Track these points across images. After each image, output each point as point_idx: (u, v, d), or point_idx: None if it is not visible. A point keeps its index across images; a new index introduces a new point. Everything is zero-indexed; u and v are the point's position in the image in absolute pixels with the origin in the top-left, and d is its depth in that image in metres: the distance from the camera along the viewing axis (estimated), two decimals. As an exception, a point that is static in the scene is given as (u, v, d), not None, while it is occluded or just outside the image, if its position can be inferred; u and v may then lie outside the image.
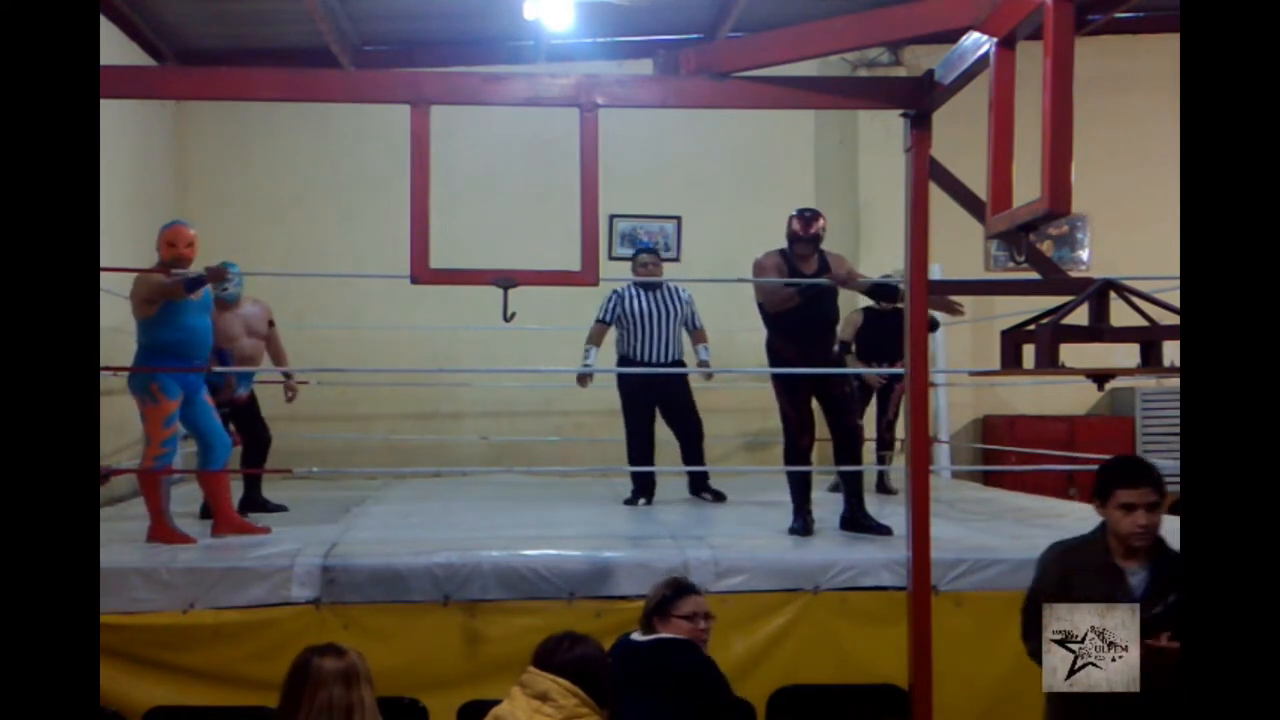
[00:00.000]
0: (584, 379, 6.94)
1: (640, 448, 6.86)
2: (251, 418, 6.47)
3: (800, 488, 5.47)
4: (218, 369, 5.75)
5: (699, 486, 6.90)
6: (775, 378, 5.58)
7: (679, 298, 6.87)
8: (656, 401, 6.86)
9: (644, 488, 6.82)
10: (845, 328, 6.84)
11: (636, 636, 3.67)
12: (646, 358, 6.75)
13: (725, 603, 4.44)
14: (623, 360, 6.85)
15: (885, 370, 6.86)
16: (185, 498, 6.94)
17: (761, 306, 5.60)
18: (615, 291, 6.84)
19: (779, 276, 5.49)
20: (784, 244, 5.57)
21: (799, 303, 5.43)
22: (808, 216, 5.52)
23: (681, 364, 6.90)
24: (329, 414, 8.82)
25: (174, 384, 5.19)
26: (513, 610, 4.45)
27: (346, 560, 4.57)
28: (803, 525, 5.37)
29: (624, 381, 6.87)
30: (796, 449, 5.52)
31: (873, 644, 4.43)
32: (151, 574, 4.43)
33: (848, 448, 5.54)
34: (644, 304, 6.79)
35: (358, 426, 9.06)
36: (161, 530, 5.08)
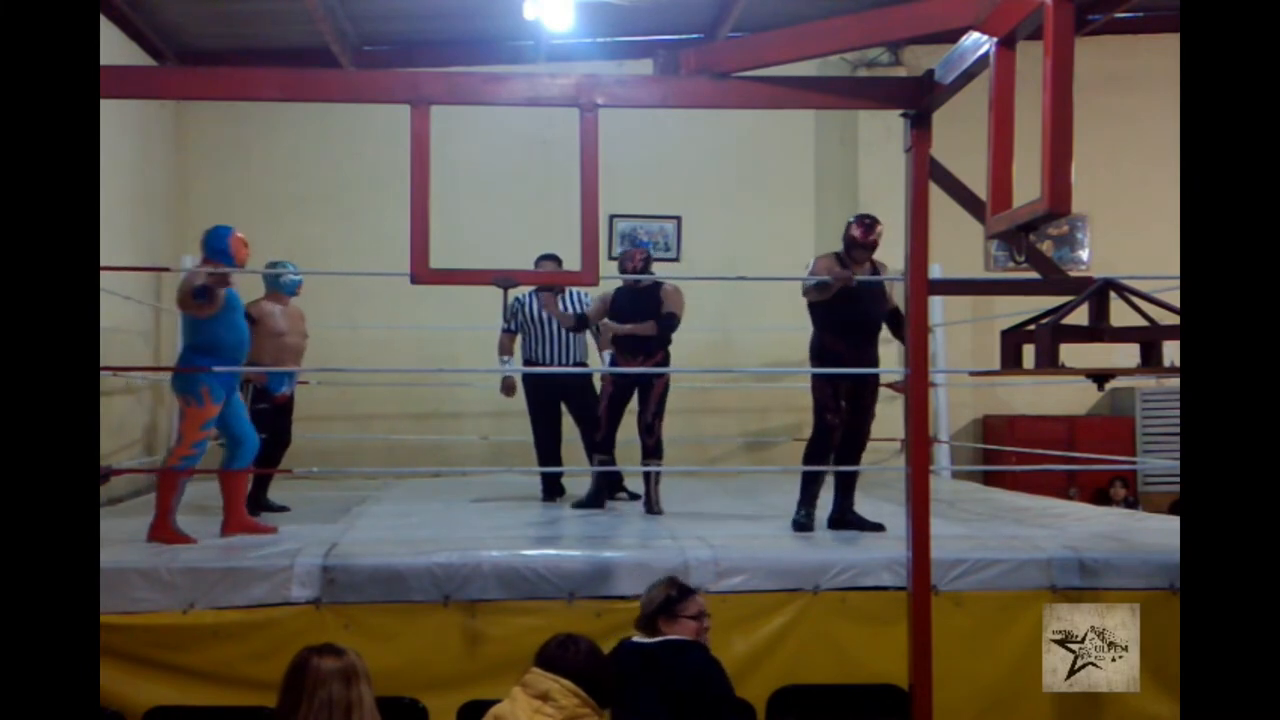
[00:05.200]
0: (509, 388, 7.06)
1: (546, 447, 6.96)
2: (285, 418, 6.48)
3: (817, 482, 5.51)
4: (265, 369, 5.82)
5: (614, 488, 6.89)
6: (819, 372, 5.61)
7: (581, 302, 6.86)
8: (559, 401, 6.91)
9: (552, 487, 6.92)
10: (598, 304, 6.49)
11: (640, 639, 3.66)
12: (546, 360, 6.84)
13: (725, 603, 4.44)
14: (527, 364, 6.93)
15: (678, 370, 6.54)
16: (199, 495, 6.94)
17: (811, 307, 5.62)
18: (517, 299, 6.88)
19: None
20: (839, 246, 5.63)
21: (830, 297, 5.46)
22: (868, 223, 5.56)
23: (583, 365, 6.93)
24: (329, 414, 8.82)
25: (220, 388, 5.22)
26: (513, 610, 4.45)
27: (346, 560, 4.57)
28: (807, 517, 5.41)
29: (528, 385, 6.98)
30: (828, 442, 5.52)
31: (873, 644, 4.43)
32: (151, 574, 4.42)
33: (854, 450, 5.58)
34: (543, 309, 6.80)
35: (358, 426, 9.06)
36: (164, 530, 5.09)
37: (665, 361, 6.37)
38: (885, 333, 5.73)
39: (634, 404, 6.37)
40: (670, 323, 6.23)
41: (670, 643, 3.59)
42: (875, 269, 5.61)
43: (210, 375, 5.14)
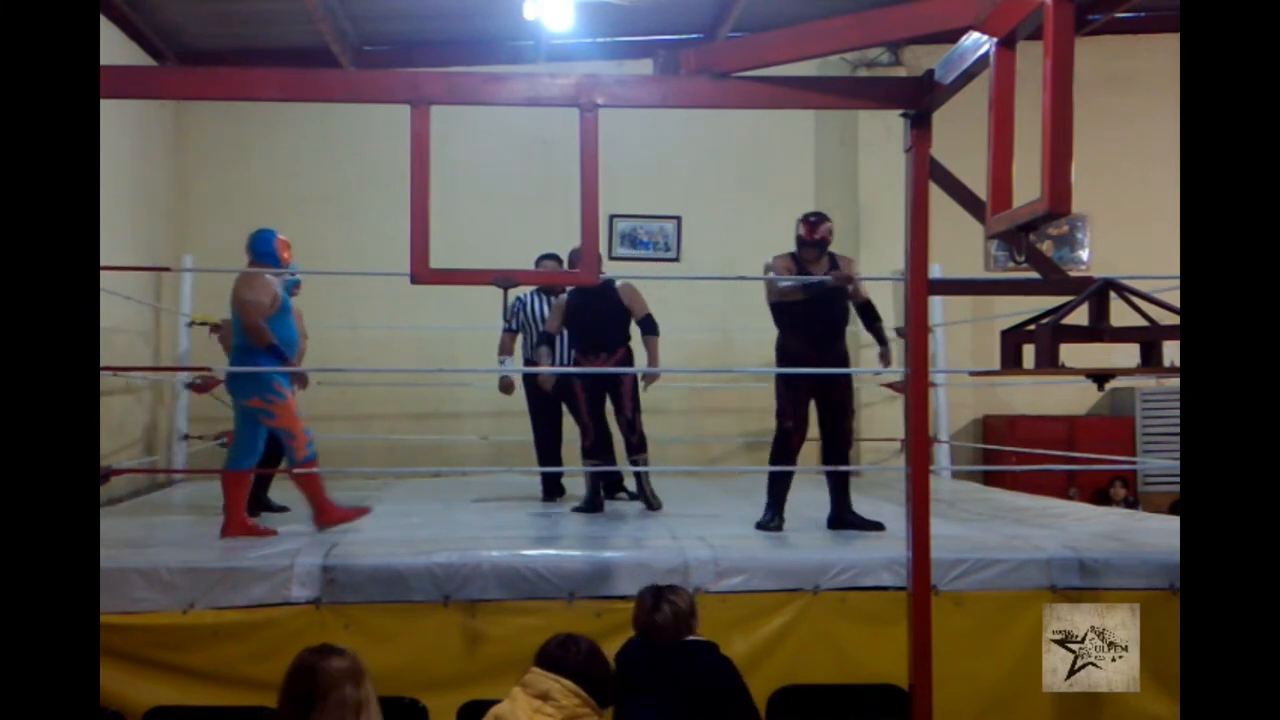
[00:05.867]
0: (508, 386, 7.07)
1: (546, 447, 6.98)
2: None
3: (780, 485, 5.50)
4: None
5: (613, 488, 6.89)
6: (780, 375, 5.62)
7: None
8: (559, 401, 6.89)
9: (552, 487, 6.95)
10: (554, 315, 6.48)
11: (645, 639, 3.64)
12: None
13: (725, 603, 4.44)
14: (527, 363, 6.94)
15: (624, 370, 6.29)
16: (199, 495, 6.96)
17: (773, 307, 5.65)
18: (518, 298, 6.89)
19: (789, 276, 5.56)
20: (794, 247, 5.65)
21: (801, 298, 5.46)
22: (813, 221, 5.61)
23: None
24: (329, 414, 8.81)
25: (284, 379, 5.42)
26: (513, 610, 4.45)
27: (346, 560, 4.57)
28: (772, 520, 5.42)
29: (528, 385, 6.99)
30: (787, 447, 5.55)
31: (873, 644, 4.43)
32: (151, 574, 4.42)
33: (838, 450, 5.58)
34: (544, 309, 6.85)
35: (358, 426, 9.05)
36: (330, 513, 5.27)
37: (628, 356, 6.36)
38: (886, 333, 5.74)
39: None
40: (654, 324, 6.25)
41: (688, 643, 3.58)
42: (834, 263, 5.60)
43: (274, 369, 5.34)
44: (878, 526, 5.37)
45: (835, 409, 5.57)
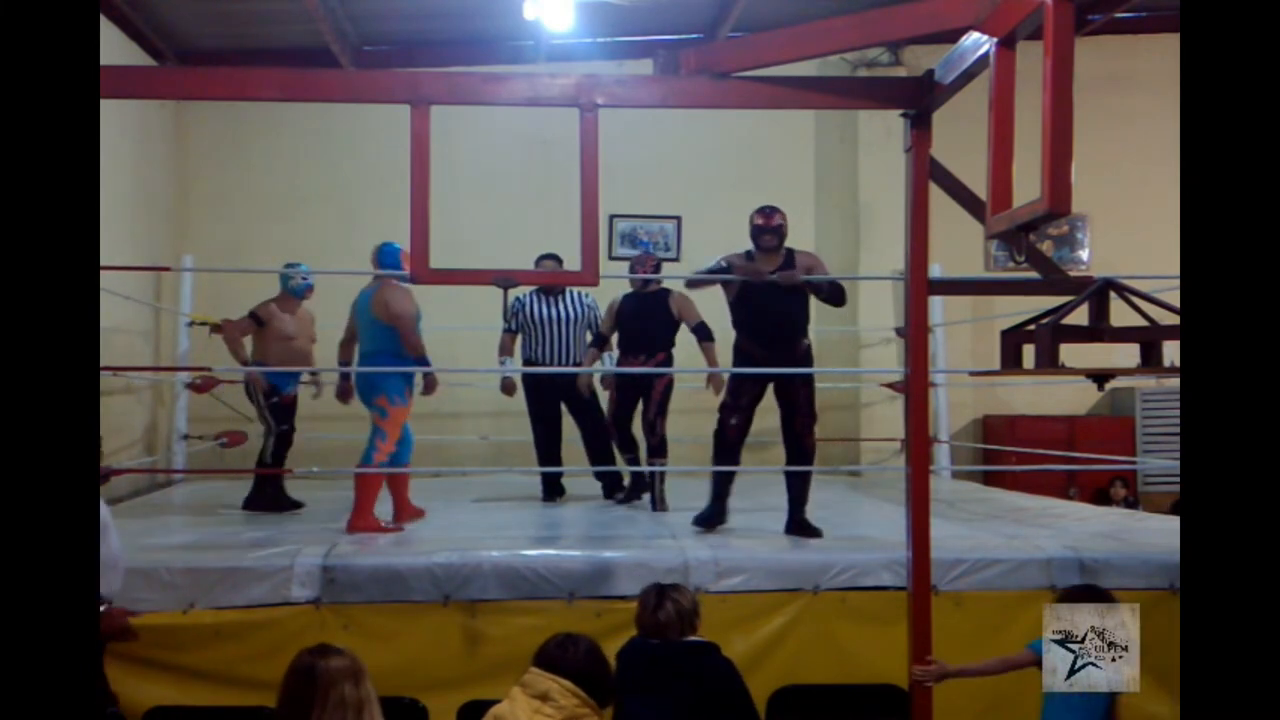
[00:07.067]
0: (509, 387, 7.08)
1: (546, 447, 7.00)
2: (290, 416, 6.56)
3: (719, 478, 5.51)
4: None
5: (611, 489, 6.90)
6: (731, 372, 5.62)
7: (581, 302, 6.89)
8: (559, 401, 6.92)
9: (552, 487, 6.97)
10: (607, 317, 6.71)
11: (650, 640, 3.63)
12: (546, 360, 6.84)
13: (725, 603, 4.45)
14: (527, 364, 6.96)
15: (662, 369, 6.38)
16: (198, 495, 6.95)
17: (730, 306, 5.65)
18: (518, 299, 6.90)
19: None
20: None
21: (739, 294, 5.50)
22: (768, 211, 5.63)
23: (583, 365, 6.92)
24: (329, 414, 8.80)
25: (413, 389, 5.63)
26: (513, 610, 4.45)
27: (346, 560, 4.57)
28: (714, 515, 5.41)
29: (528, 385, 7.01)
30: (722, 438, 5.52)
31: (873, 644, 4.43)
32: (151, 574, 4.42)
33: (797, 452, 5.50)
34: (544, 310, 6.86)
35: (358, 426, 9.00)
36: (368, 521, 5.38)
37: (668, 362, 6.40)
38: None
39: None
40: (707, 331, 6.29)
41: (689, 644, 3.59)
42: (790, 259, 5.56)
43: (409, 376, 5.59)
44: (816, 534, 5.25)
45: (791, 409, 5.48)
